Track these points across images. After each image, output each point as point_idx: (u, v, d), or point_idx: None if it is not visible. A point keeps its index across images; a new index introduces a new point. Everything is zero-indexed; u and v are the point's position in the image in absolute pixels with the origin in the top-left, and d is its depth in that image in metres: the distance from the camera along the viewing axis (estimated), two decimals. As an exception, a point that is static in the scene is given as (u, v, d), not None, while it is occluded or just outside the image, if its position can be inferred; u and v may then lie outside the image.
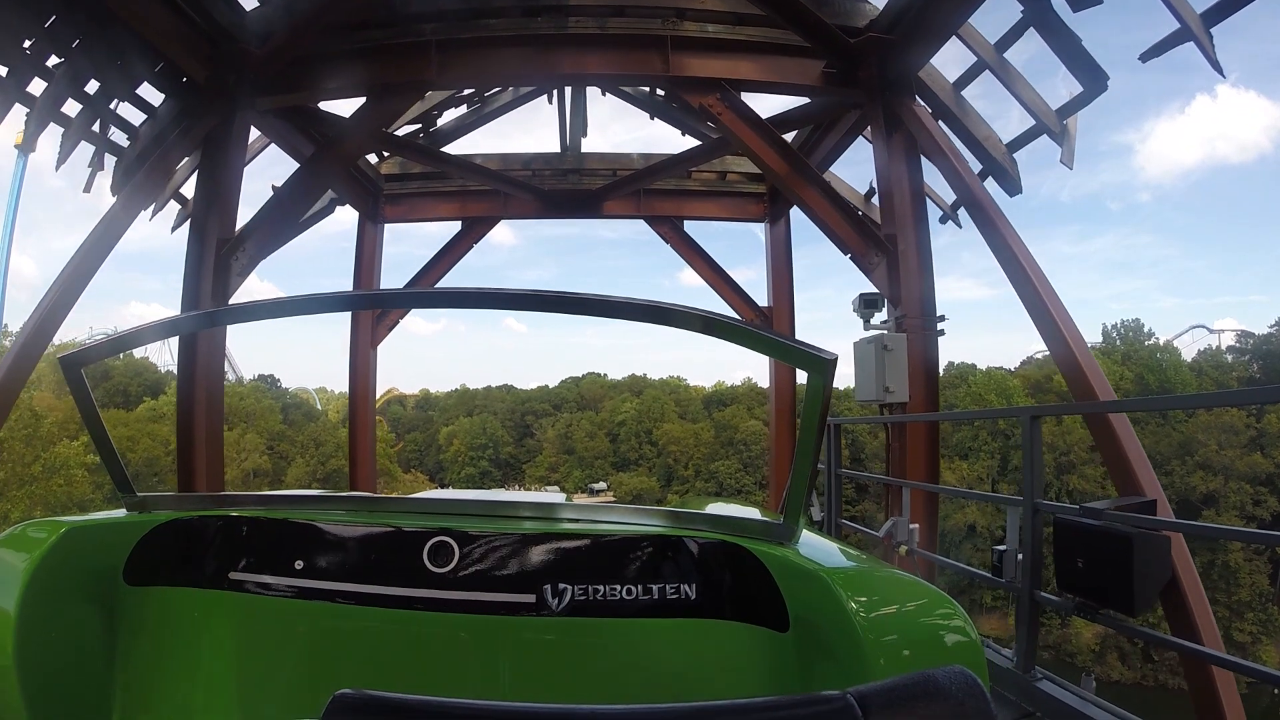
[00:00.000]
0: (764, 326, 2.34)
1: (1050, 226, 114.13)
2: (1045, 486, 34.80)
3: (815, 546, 2.49)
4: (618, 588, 2.50)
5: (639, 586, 2.50)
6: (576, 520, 2.74)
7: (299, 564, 2.59)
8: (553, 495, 4.39)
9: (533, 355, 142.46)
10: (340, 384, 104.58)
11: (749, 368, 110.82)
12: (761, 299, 15.10)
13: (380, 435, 69.67)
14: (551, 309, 2.38)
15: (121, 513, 2.70)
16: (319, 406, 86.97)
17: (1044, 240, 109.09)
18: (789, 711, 1.02)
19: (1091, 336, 75.69)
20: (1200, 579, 6.49)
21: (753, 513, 3.10)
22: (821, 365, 2.08)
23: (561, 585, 2.51)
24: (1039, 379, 68.73)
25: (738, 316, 2.15)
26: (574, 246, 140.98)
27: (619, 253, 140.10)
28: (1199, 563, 32.91)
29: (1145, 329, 71.69)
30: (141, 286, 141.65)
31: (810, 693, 1.06)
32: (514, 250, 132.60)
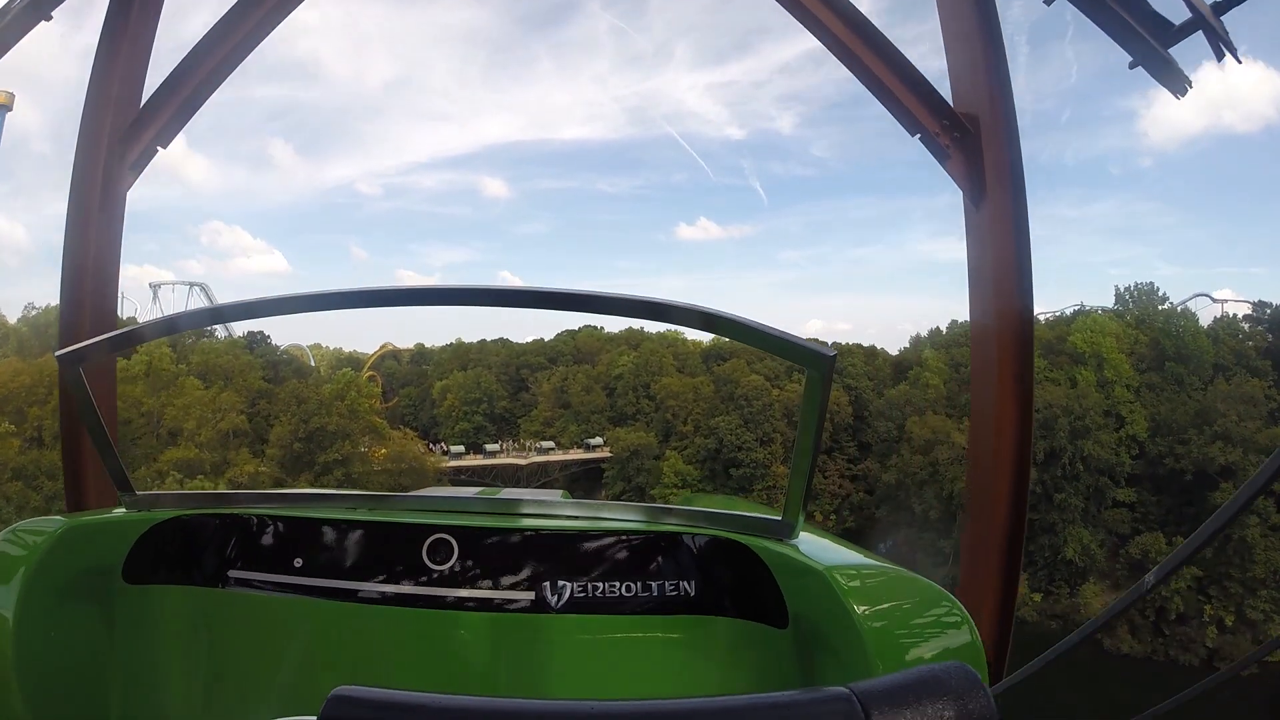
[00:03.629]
0: (760, 323, 2.04)
1: (1053, 189, 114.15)
2: (1059, 451, 47.40)
3: (815, 543, 2.44)
4: (617, 585, 2.51)
5: (639, 584, 2.52)
6: (576, 517, 2.72)
7: (299, 562, 2.59)
8: (552, 493, 4.03)
9: (529, 309, 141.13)
10: (336, 339, 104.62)
11: (752, 314, 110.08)
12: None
13: (370, 392, 68.29)
14: (552, 306, 2.31)
15: (120, 511, 2.66)
16: (311, 363, 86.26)
17: (1048, 203, 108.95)
18: (790, 706, 1.03)
19: (1104, 299, 75.57)
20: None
21: (752, 509, 2.79)
22: (820, 361, 2.03)
23: (561, 582, 2.53)
24: (1050, 339, 67.66)
25: (734, 313, 2.04)
26: (571, 199, 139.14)
27: (618, 208, 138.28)
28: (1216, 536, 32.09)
29: (1159, 293, 70.39)
30: (138, 250, 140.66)
31: (812, 687, 1.08)
32: (510, 204, 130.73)
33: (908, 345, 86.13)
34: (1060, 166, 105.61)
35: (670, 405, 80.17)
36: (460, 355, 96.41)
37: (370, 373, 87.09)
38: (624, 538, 2.59)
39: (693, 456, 76.08)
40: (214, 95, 7.62)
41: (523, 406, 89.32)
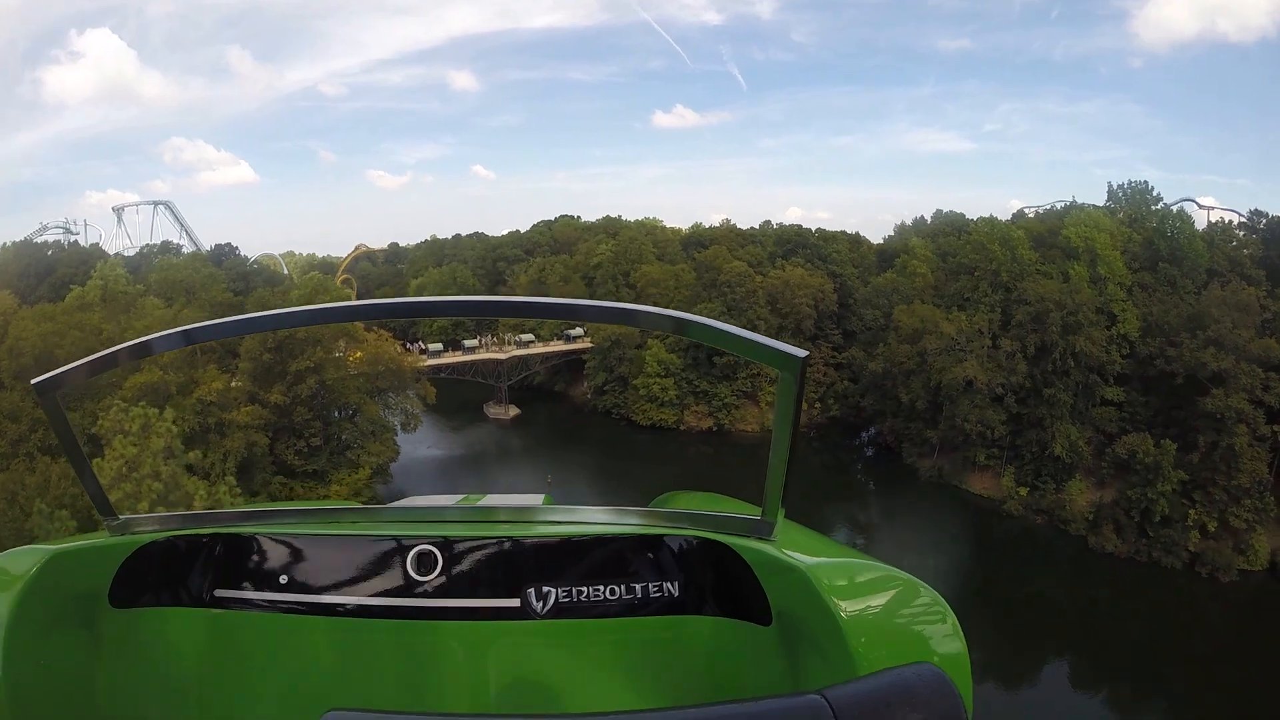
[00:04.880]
0: (730, 327, 2.10)
1: (1039, 85, 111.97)
2: (1050, 346, 45.89)
3: (795, 540, 2.43)
4: (601, 588, 2.52)
5: (622, 586, 2.53)
6: (558, 522, 2.74)
7: (283, 579, 2.60)
8: (534, 498, 3.68)
9: (504, 202, 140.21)
10: (309, 245, 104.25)
11: (726, 209, 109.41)
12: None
13: (341, 295, 67.05)
14: (529, 315, 2.51)
15: (104, 535, 2.61)
16: (284, 270, 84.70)
17: (1032, 98, 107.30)
18: (762, 710, 1.10)
19: (1088, 197, 75.37)
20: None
21: (733, 508, 2.78)
22: (792, 362, 2.02)
23: (545, 588, 2.52)
24: (1042, 232, 66.68)
25: (703, 318, 2.12)
26: (543, 89, 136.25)
27: (592, 96, 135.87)
28: (1204, 443, 37.58)
29: (1153, 193, 68.97)
30: (99, 174, 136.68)
31: (784, 693, 1.17)
32: (480, 97, 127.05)
33: (892, 234, 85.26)
34: (1048, 62, 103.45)
35: (651, 293, 79.03)
36: (435, 251, 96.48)
37: (344, 275, 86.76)
38: (606, 541, 2.57)
39: (675, 345, 75.43)
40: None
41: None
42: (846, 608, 1.92)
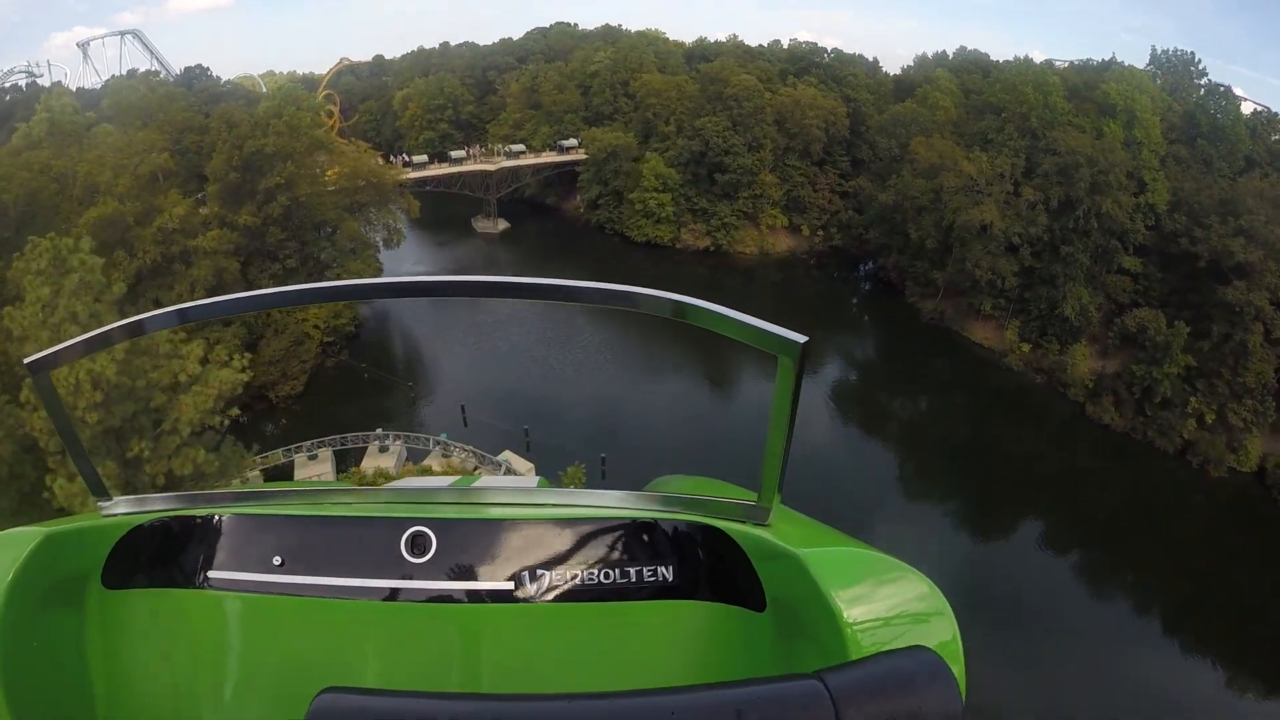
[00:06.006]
0: (731, 311, 1.97)
1: None
2: (1075, 201, 55.34)
3: (791, 527, 2.44)
4: (595, 572, 2.52)
5: (616, 570, 2.52)
6: (554, 505, 2.72)
7: (277, 560, 2.58)
8: (528, 480, 4.28)
9: (496, 12, 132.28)
10: (290, 62, 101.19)
11: (733, 25, 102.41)
12: None
13: (311, 104, 63.66)
14: (523, 296, 2.31)
15: (97, 516, 2.62)
16: (264, 89, 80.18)
17: None
18: (760, 693, 1.14)
19: (1137, 58, 70.25)
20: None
21: (728, 493, 2.73)
22: (792, 348, 1.97)
23: (539, 571, 2.52)
24: (1078, 84, 62.63)
25: (703, 301, 1.98)
26: None
27: None
28: (1216, 332, 34.38)
29: (1199, 65, 65.82)
30: (64, 11, 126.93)
31: (782, 674, 1.22)
32: None
33: (911, 64, 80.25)
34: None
35: (651, 104, 75.79)
36: (421, 62, 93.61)
37: (326, 91, 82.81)
38: (601, 524, 2.53)
39: (675, 159, 72.89)
40: None
41: (490, 110, 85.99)
42: (841, 595, 1.91)
